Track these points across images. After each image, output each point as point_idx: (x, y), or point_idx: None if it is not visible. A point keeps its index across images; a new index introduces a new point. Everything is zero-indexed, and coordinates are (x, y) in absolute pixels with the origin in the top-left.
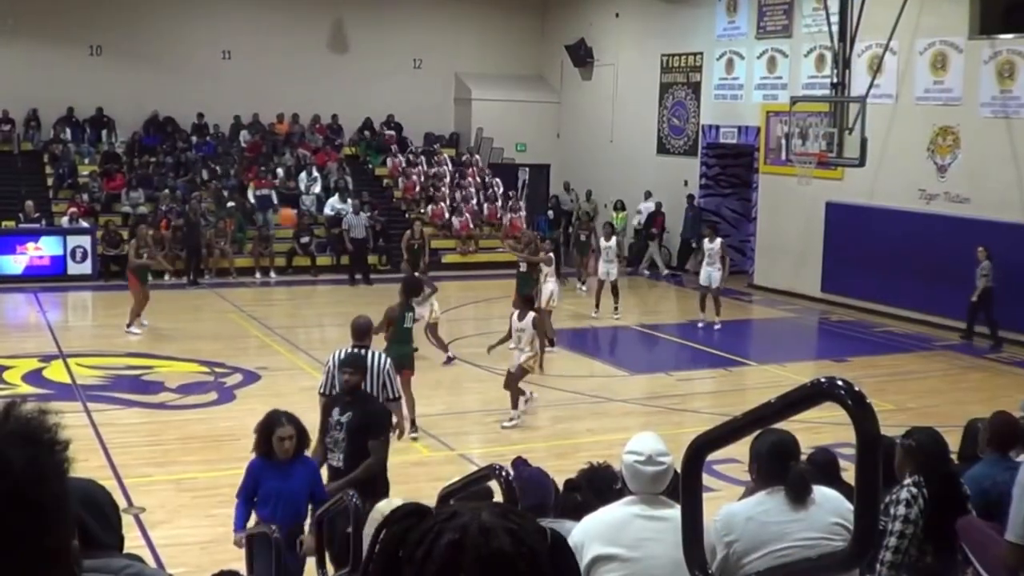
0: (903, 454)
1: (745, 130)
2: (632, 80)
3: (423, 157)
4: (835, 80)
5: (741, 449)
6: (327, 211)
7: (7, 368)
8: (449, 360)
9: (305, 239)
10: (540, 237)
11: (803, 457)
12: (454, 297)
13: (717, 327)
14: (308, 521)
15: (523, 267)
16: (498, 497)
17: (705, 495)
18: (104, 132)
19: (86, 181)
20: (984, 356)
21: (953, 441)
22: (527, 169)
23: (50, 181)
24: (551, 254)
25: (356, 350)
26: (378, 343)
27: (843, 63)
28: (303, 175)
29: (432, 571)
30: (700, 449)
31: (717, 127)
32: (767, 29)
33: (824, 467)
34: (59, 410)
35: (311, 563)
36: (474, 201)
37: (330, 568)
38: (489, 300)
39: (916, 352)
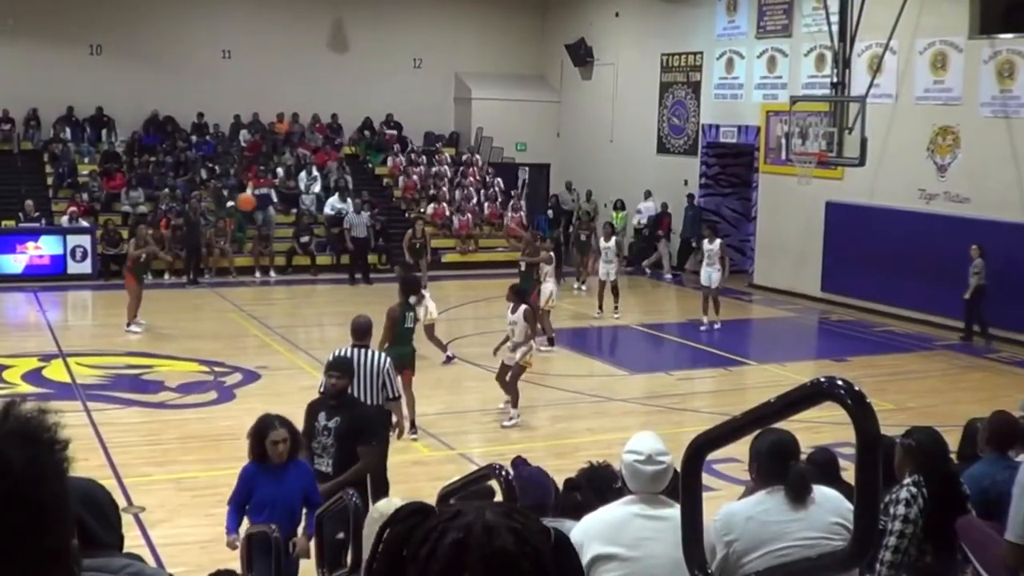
0: (903, 454)
1: (745, 130)
2: (632, 80)
3: (424, 157)
4: (835, 80)
5: (741, 448)
6: (327, 210)
7: (7, 367)
8: (449, 360)
9: (305, 238)
10: (540, 236)
11: (803, 456)
12: (454, 297)
13: (717, 327)
14: (301, 524)
15: (523, 266)
16: (498, 497)
17: (705, 494)
18: (104, 131)
19: (86, 180)
20: (984, 356)
21: (953, 441)
22: (527, 168)
23: (50, 180)
24: (551, 253)
25: (356, 349)
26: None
27: (843, 63)
28: (303, 174)
29: (436, 570)
30: (700, 448)
31: (717, 127)
32: (767, 29)
33: (824, 466)
34: (59, 409)
35: (306, 564)
36: (474, 201)
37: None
38: (489, 299)
39: (916, 352)
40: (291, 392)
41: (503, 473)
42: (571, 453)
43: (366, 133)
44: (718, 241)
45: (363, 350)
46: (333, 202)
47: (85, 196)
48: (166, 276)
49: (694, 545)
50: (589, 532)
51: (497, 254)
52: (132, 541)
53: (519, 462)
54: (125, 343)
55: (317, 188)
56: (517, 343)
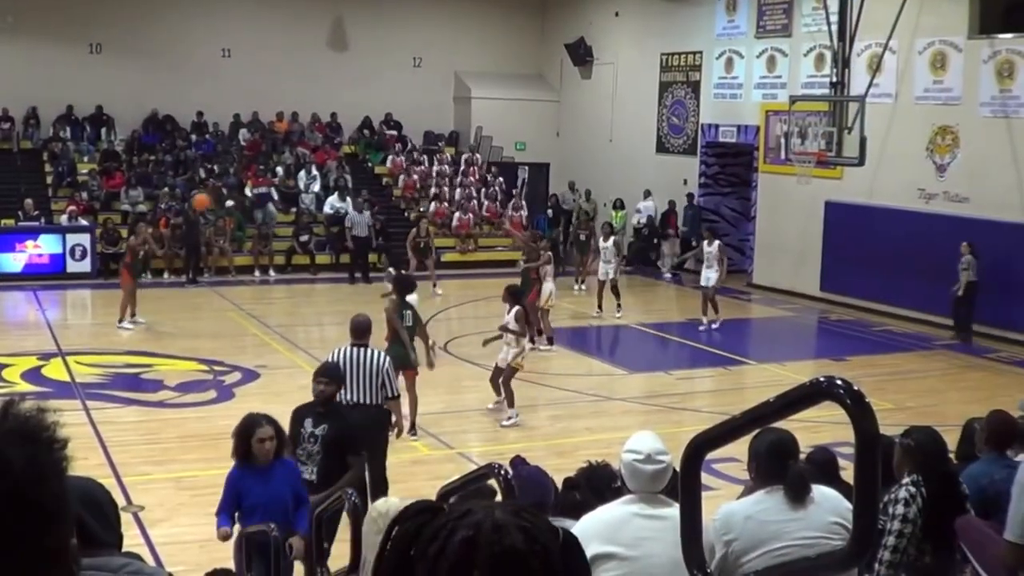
0: (902, 453)
1: (744, 129)
2: (631, 79)
3: (425, 156)
4: (834, 79)
5: (740, 448)
6: (326, 209)
7: (6, 366)
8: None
9: (304, 238)
10: (539, 236)
11: (802, 456)
12: (453, 296)
13: (716, 327)
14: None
15: (521, 265)
16: (498, 496)
17: (704, 494)
18: (103, 130)
19: (85, 179)
20: (983, 356)
21: (952, 440)
22: (526, 168)
23: (49, 179)
24: (549, 253)
25: (355, 348)
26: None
27: (842, 62)
28: (302, 173)
29: (445, 568)
30: (699, 448)
31: (716, 126)
32: (767, 28)
33: (823, 466)
34: (58, 408)
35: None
36: (475, 200)
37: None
38: (488, 299)
39: (915, 351)
40: (290, 391)
41: (502, 472)
42: (570, 452)
43: (365, 132)
44: (716, 243)
45: (362, 349)
46: (332, 201)
47: (84, 195)
48: (165, 275)
49: (693, 544)
50: (588, 531)
51: (497, 253)
52: (131, 540)
53: (518, 461)
54: (124, 342)
55: (317, 187)
56: (508, 341)
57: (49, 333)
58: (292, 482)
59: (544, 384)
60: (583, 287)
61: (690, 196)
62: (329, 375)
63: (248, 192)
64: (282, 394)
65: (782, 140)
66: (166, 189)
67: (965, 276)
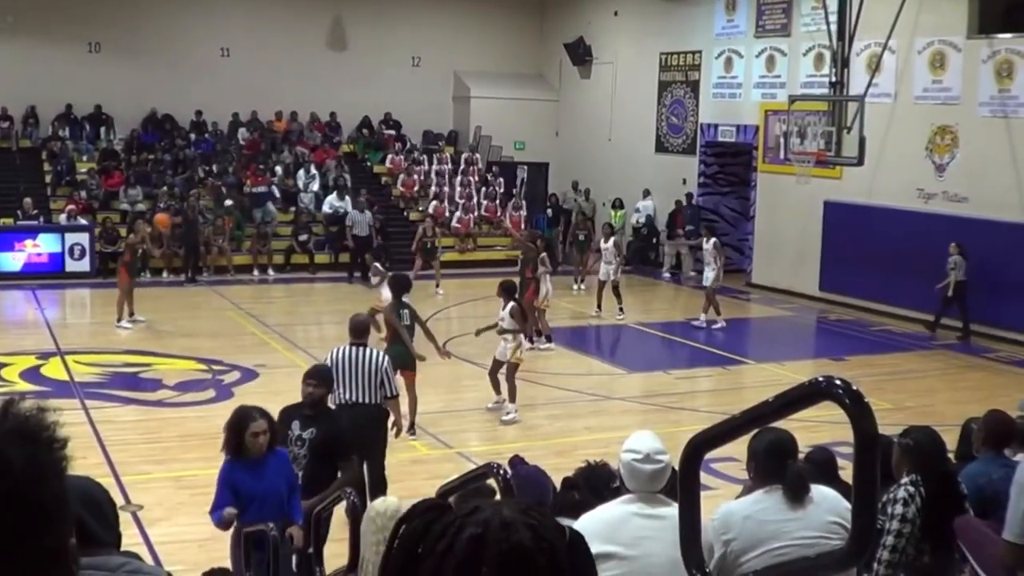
0: (900, 453)
1: (744, 129)
2: (631, 78)
3: (425, 155)
4: (834, 79)
5: (739, 447)
6: (325, 209)
7: (5, 365)
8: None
9: (303, 237)
10: (537, 235)
11: (801, 456)
12: (453, 295)
13: (716, 327)
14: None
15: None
16: (496, 496)
17: (703, 493)
18: (102, 129)
19: (84, 178)
20: (982, 355)
21: (951, 440)
22: (525, 167)
23: (48, 178)
24: (544, 254)
25: (354, 348)
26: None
27: (842, 62)
28: (301, 173)
29: (452, 565)
30: (698, 447)
31: (716, 126)
32: (766, 28)
33: (822, 466)
34: (57, 408)
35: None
36: (475, 199)
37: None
38: (487, 298)
39: (914, 351)
40: (289, 390)
41: (501, 472)
42: (569, 452)
43: (364, 131)
44: (712, 240)
45: (361, 348)
46: (331, 200)
47: (83, 194)
48: (164, 274)
49: (692, 544)
50: (587, 531)
51: (496, 253)
52: (130, 539)
53: (517, 461)
54: (123, 341)
55: (316, 186)
56: (505, 336)
57: (48, 332)
58: (286, 473)
59: (543, 383)
60: (583, 286)
61: (689, 196)
62: (319, 377)
63: (249, 190)
64: (281, 393)
65: (781, 140)
66: (165, 188)
67: (953, 276)
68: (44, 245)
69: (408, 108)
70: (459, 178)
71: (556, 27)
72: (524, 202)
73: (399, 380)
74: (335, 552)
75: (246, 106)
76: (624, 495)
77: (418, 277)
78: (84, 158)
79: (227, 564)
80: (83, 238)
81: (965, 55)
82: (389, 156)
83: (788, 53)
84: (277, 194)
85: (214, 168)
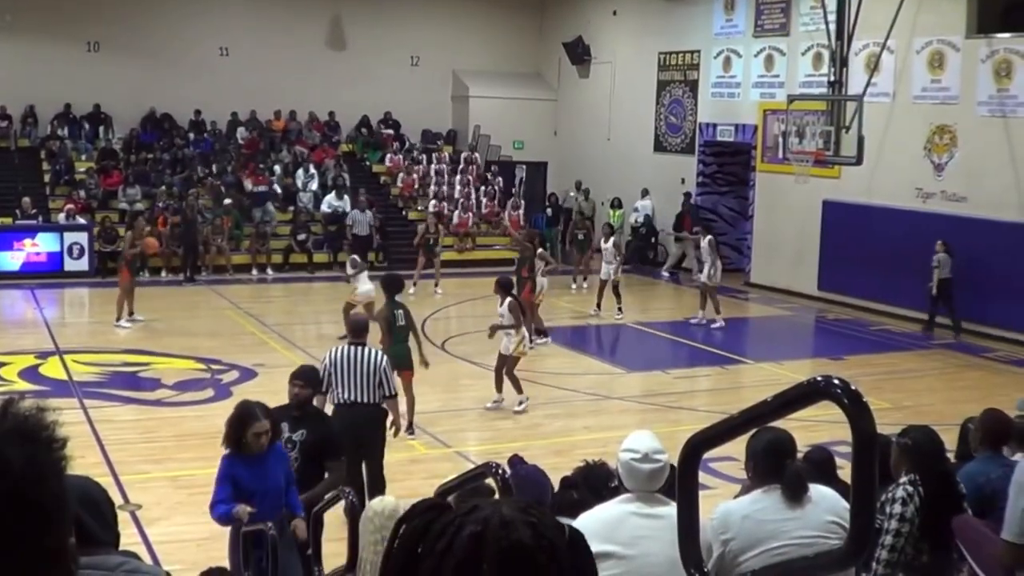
0: (899, 452)
1: (742, 128)
2: (629, 78)
3: (424, 155)
4: (832, 78)
5: (738, 447)
6: (324, 208)
7: (4, 364)
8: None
9: (302, 236)
10: (535, 235)
11: (799, 455)
12: (451, 294)
13: (715, 326)
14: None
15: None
16: (495, 495)
17: (701, 493)
18: (101, 128)
19: (83, 178)
20: (981, 355)
21: (949, 440)
22: (524, 167)
23: (47, 177)
24: (540, 250)
25: (353, 347)
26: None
27: (840, 61)
28: (300, 172)
29: (452, 564)
30: (697, 447)
31: (714, 125)
32: (765, 27)
33: (820, 465)
34: (56, 407)
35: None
36: (473, 199)
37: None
38: (486, 297)
39: (912, 350)
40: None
41: (499, 471)
42: (568, 451)
43: (363, 131)
44: (707, 239)
45: (360, 348)
46: (330, 200)
47: (82, 193)
48: (163, 273)
49: (690, 543)
50: (585, 530)
51: (494, 252)
52: (128, 539)
53: (516, 460)
54: (122, 340)
55: (314, 186)
56: (507, 332)
57: (47, 331)
58: (285, 467)
59: (542, 383)
60: (585, 284)
61: (687, 195)
62: (305, 377)
63: (250, 190)
64: (280, 392)
65: (780, 139)
66: (164, 187)
67: (937, 274)
68: (43, 244)
69: (407, 107)
70: (458, 177)
71: (555, 26)
72: (523, 201)
73: (396, 380)
74: (334, 552)
75: (245, 105)
76: (622, 494)
77: (421, 276)
78: (83, 157)
79: (225, 563)
80: (82, 237)
81: (964, 55)
82: (388, 155)
83: (787, 53)
84: (279, 190)
85: (213, 167)
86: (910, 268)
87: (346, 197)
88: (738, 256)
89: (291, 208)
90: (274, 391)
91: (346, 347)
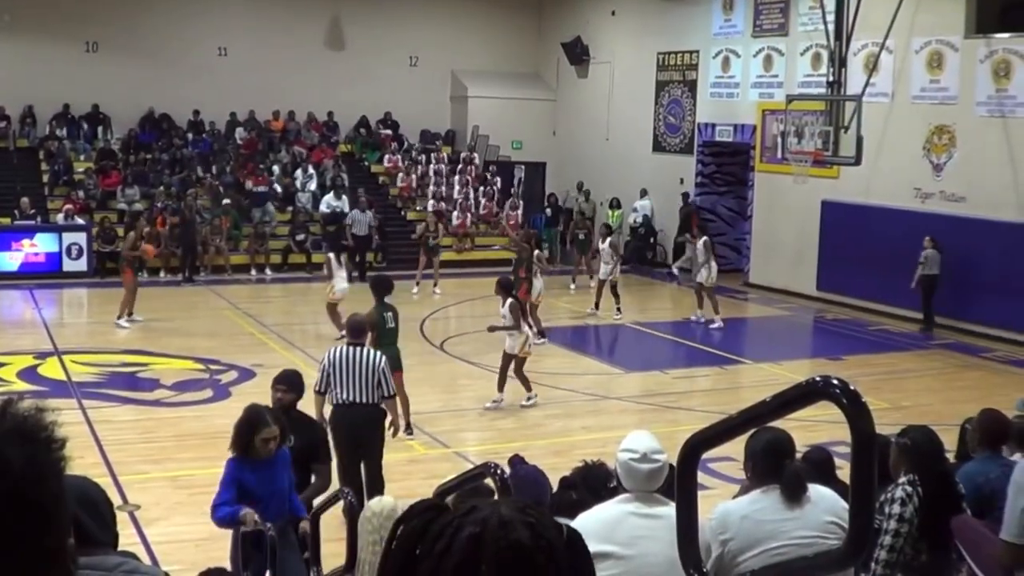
0: (898, 453)
1: (741, 128)
2: (628, 78)
3: (423, 155)
4: (831, 78)
5: (736, 447)
6: (322, 208)
7: (3, 365)
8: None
9: (300, 236)
10: (533, 235)
11: (798, 455)
12: (450, 294)
13: (714, 326)
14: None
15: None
16: (495, 496)
17: (700, 493)
18: (100, 129)
19: (81, 178)
20: (979, 355)
21: (949, 440)
22: (523, 167)
23: (46, 178)
24: (537, 252)
25: (352, 348)
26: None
27: (839, 62)
28: (299, 172)
29: (451, 565)
30: (696, 447)
31: (713, 125)
32: (763, 27)
33: (819, 465)
34: (55, 407)
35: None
36: (472, 199)
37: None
38: (485, 298)
39: (911, 351)
40: None
41: (498, 472)
42: (567, 451)
43: (362, 131)
44: (703, 239)
45: (359, 349)
46: (329, 200)
47: (81, 193)
48: (162, 274)
49: (689, 544)
50: (584, 530)
51: (493, 252)
52: (127, 539)
53: (517, 460)
54: (120, 341)
55: (313, 186)
56: (511, 332)
57: (45, 332)
58: (289, 472)
59: (541, 383)
60: (591, 283)
61: (685, 195)
62: (288, 382)
63: (251, 190)
64: None
65: (779, 139)
66: (162, 188)
67: (920, 270)
68: (41, 245)
69: (406, 108)
70: (457, 178)
71: (554, 27)
72: (521, 201)
73: None
74: (332, 552)
75: (243, 105)
76: (621, 494)
77: (423, 276)
78: (81, 157)
79: (225, 564)
80: (80, 238)
81: (962, 55)
82: (386, 156)
83: (785, 53)
84: (280, 190)
85: (212, 168)
86: (909, 268)
87: (344, 197)
88: (737, 256)
89: (289, 208)
90: None
91: (345, 347)
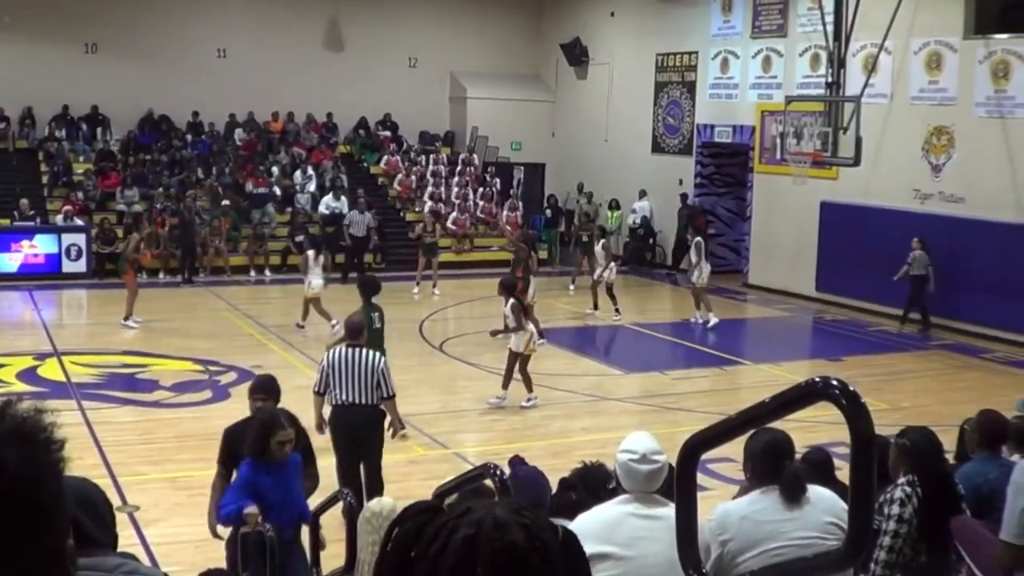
0: (897, 453)
1: (740, 129)
2: (627, 79)
3: (422, 156)
4: (830, 79)
5: (736, 448)
6: (322, 209)
7: (2, 366)
8: (334, 327)
9: (300, 237)
10: (531, 236)
11: (797, 456)
12: (449, 295)
13: (710, 326)
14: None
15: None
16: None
17: (700, 494)
18: (99, 130)
19: (81, 179)
20: (979, 356)
21: (948, 441)
22: (522, 168)
23: (45, 179)
24: (534, 253)
25: (351, 349)
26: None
27: (838, 62)
28: (298, 173)
29: (446, 566)
30: (695, 448)
31: (712, 126)
32: (762, 28)
33: (818, 466)
34: (54, 408)
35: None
36: (471, 200)
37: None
38: (484, 298)
39: (910, 351)
40: (286, 391)
41: (498, 472)
42: (566, 452)
43: (361, 132)
44: (696, 239)
45: (358, 350)
46: (328, 201)
47: (80, 195)
48: (161, 275)
49: (689, 544)
50: (583, 531)
51: (492, 254)
52: (127, 540)
53: (517, 461)
54: (120, 342)
55: (312, 187)
56: (515, 331)
57: (45, 333)
58: (299, 477)
59: (540, 384)
60: (598, 280)
61: (684, 196)
62: (265, 390)
63: (251, 192)
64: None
65: (778, 140)
66: (161, 189)
67: (905, 269)
68: (41, 246)
69: (405, 109)
70: (456, 179)
71: (553, 28)
72: (520, 203)
73: None
74: (332, 552)
75: (243, 107)
76: (621, 495)
77: (423, 277)
78: (81, 159)
79: (223, 565)
80: (80, 239)
81: (961, 56)
82: (385, 157)
83: (784, 54)
84: (279, 191)
85: (212, 169)
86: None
87: (343, 198)
88: (736, 257)
89: (289, 210)
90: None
91: (344, 349)
